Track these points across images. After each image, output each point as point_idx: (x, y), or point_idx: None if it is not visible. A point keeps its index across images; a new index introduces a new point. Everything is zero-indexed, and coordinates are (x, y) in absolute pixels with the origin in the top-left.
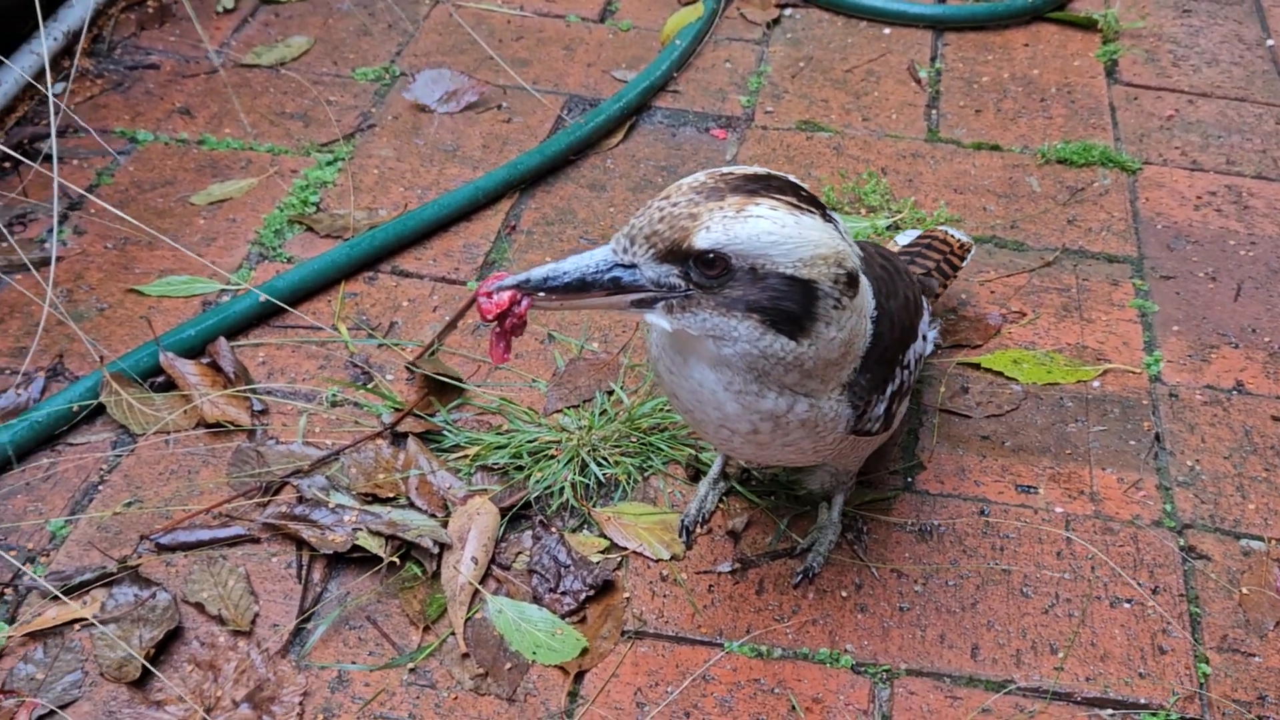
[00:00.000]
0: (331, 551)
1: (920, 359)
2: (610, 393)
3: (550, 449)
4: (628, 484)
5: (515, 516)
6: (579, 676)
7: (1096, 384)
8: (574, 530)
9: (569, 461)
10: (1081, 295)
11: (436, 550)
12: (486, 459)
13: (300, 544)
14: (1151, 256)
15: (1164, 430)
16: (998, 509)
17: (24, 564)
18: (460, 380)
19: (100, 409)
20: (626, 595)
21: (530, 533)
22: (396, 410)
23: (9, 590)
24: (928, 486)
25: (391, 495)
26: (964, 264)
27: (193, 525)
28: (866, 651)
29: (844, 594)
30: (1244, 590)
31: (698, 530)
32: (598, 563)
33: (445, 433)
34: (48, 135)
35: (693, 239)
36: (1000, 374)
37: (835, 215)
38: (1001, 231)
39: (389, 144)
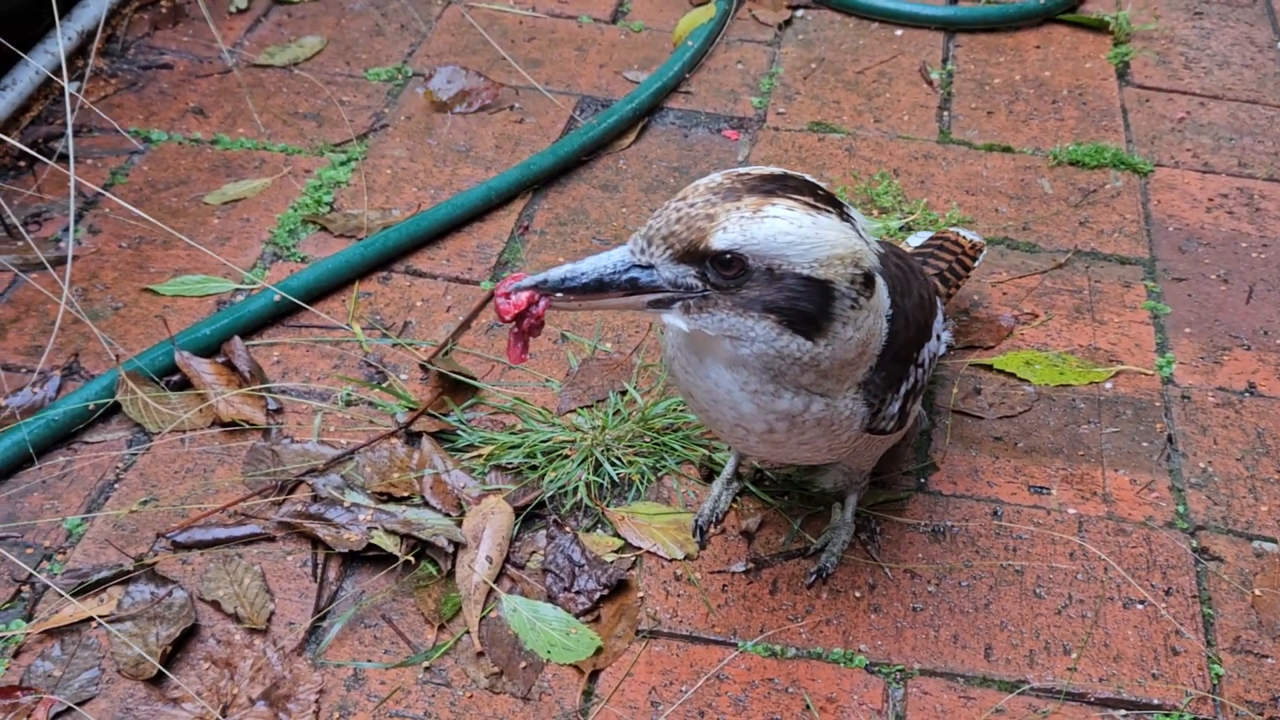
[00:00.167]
0: (347, 550)
1: (934, 358)
2: (623, 393)
3: (564, 449)
4: (641, 484)
5: (529, 516)
6: (594, 675)
7: (1109, 385)
8: (588, 530)
9: (583, 461)
10: (1093, 297)
11: (451, 549)
12: (500, 458)
13: (315, 542)
14: (1163, 258)
15: (1176, 432)
16: (1010, 510)
17: (41, 561)
18: (474, 380)
19: (116, 408)
20: (641, 595)
21: (544, 532)
22: (411, 410)
23: (26, 587)
24: (940, 487)
25: (406, 494)
26: (976, 264)
27: (208, 524)
28: (880, 651)
29: (857, 594)
30: (1256, 592)
31: (711, 530)
32: (612, 562)
33: (459, 432)
34: (62, 134)
35: (710, 240)
36: (1013, 375)
37: (854, 213)
38: (1013, 233)
39: (402, 144)
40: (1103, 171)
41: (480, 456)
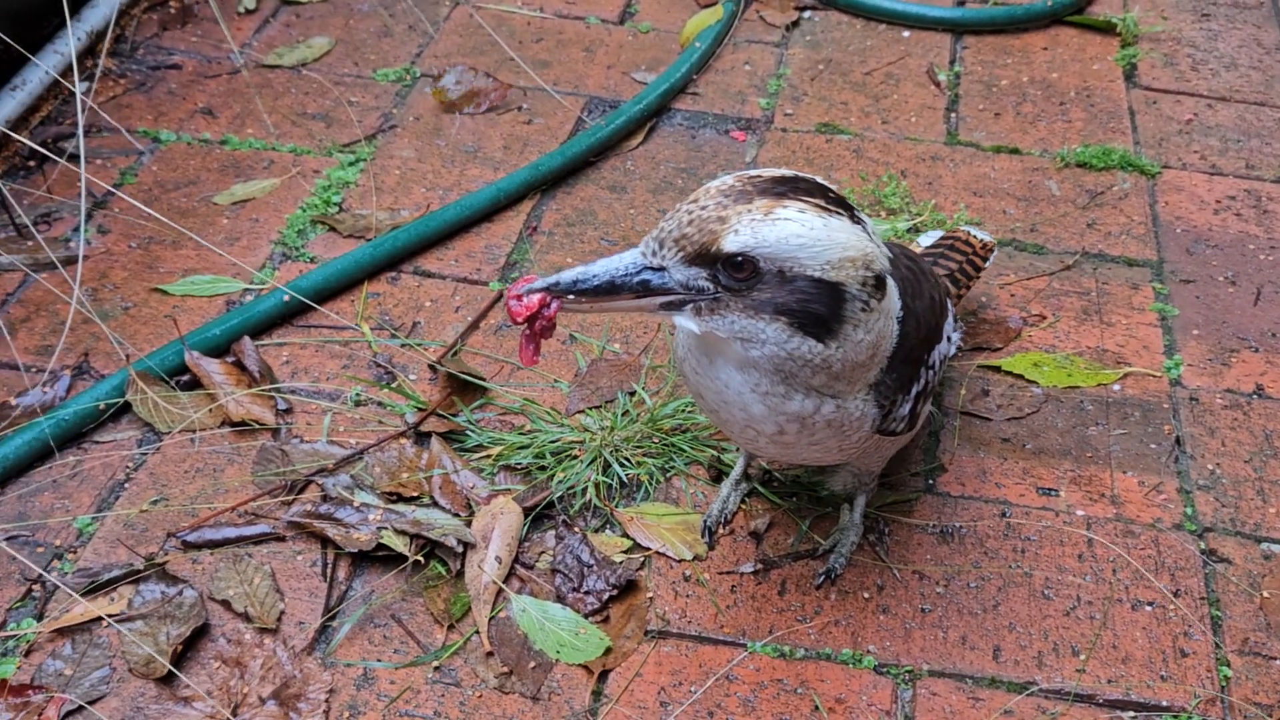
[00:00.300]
0: (356, 550)
1: (944, 360)
2: (632, 393)
3: (573, 449)
4: (650, 484)
5: (538, 516)
6: (603, 676)
7: (1117, 387)
8: (597, 530)
9: (591, 462)
10: (1101, 299)
11: (460, 549)
12: (509, 459)
13: (325, 542)
14: (1171, 260)
15: (1184, 434)
16: (1019, 511)
17: (52, 560)
18: (483, 380)
19: (126, 407)
20: (649, 595)
21: (553, 532)
22: (420, 410)
23: (37, 587)
24: (949, 488)
25: (415, 494)
26: (987, 265)
27: (219, 523)
28: (889, 652)
29: (866, 595)
30: (1265, 594)
31: (720, 531)
32: (620, 563)
33: (468, 432)
34: (71, 134)
35: (721, 242)
36: (1021, 377)
37: (864, 216)
38: (1021, 235)
39: (410, 145)
40: (1110, 173)
41: (489, 457)
